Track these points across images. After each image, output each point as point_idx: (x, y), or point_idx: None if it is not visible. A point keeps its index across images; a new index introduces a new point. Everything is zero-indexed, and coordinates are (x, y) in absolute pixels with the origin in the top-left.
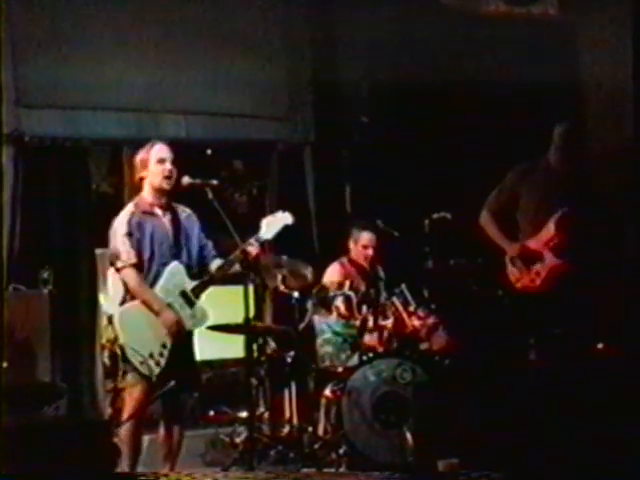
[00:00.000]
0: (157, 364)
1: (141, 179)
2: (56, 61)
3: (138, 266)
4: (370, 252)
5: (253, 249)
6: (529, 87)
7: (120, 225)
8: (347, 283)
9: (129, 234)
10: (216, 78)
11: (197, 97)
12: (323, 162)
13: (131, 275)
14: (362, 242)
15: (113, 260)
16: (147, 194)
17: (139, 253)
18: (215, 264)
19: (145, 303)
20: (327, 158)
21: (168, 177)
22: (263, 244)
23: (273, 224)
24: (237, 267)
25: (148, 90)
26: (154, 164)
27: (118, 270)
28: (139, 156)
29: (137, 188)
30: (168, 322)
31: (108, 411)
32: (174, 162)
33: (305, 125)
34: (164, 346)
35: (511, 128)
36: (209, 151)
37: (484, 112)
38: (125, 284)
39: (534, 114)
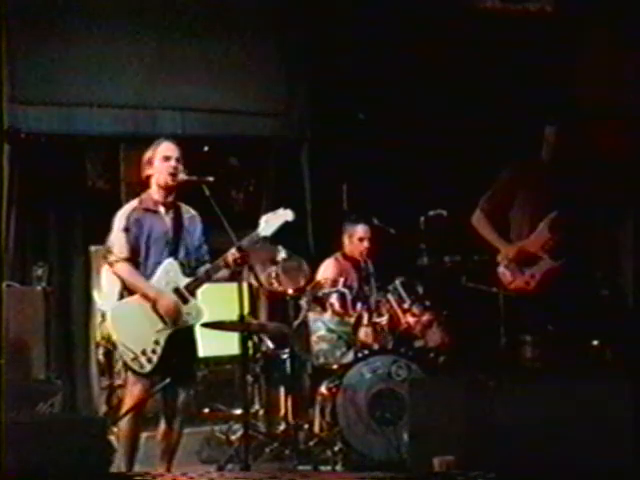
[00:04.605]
0: (149, 361)
1: (148, 177)
2: (52, 57)
3: (131, 260)
4: (366, 245)
5: (231, 256)
6: (526, 85)
7: (119, 219)
8: (341, 280)
9: (126, 229)
10: (213, 75)
11: (193, 94)
12: (320, 159)
13: (124, 268)
14: (358, 235)
15: (106, 254)
16: (153, 191)
17: (135, 249)
18: (203, 269)
19: (141, 293)
20: (324, 155)
21: (173, 174)
22: (242, 249)
23: (272, 221)
24: (225, 272)
25: (144, 87)
26: (159, 161)
27: (110, 264)
28: (146, 155)
29: (144, 186)
30: (166, 308)
31: (103, 408)
32: (179, 159)
33: (302, 122)
34: (157, 343)
35: (509, 126)
36: (206, 148)
37: (482, 110)
38: (120, 278)
39: (532, 112)
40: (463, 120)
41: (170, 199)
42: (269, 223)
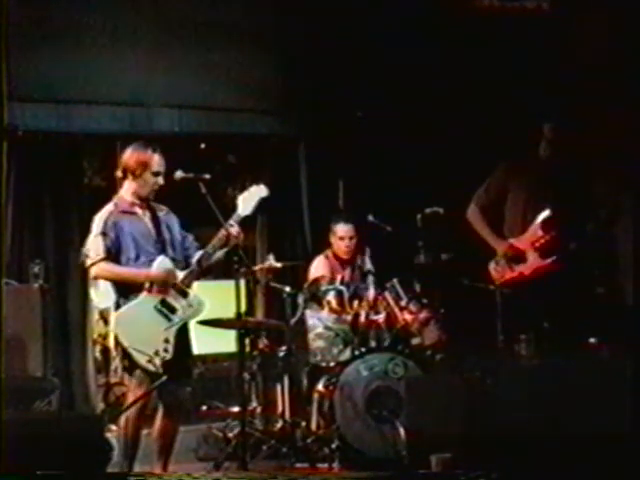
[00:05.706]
0: (163, 359)
1: (124, 177)
2: (49, 55)
3: (109, 260)
4: (346, 243)
5: (233, 230)
6: (524, 83)
7: (96, 224)
8: (338, 277)
9: (103, 234)
10: (210, 72)
11: (191, 91)
12: (316, 157)
13: (103, 267)
14: (338, 234)
15: (84, 260)
16: (127, 194)
17: (116, 250)
18: (199, 254)
19: (131, 280)
20: (321, 153)
21: (157, 190)
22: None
23: (249, 199)
24: (220, 254)
25: (141, 84)
26: (150, 174)
27: (88, 268)
28: (138, 154)
29: (119, 181)
30: (162, 279)
31: (100, 406)
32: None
33: (299, 120)
34: (167, 341)
35: (507, 124)
36: (203, 145)
37: (479, 107)
38: (103, 278)
39: (528, 109)
40: (460, 118)
41: (145, 202)
42: (246, 202)
